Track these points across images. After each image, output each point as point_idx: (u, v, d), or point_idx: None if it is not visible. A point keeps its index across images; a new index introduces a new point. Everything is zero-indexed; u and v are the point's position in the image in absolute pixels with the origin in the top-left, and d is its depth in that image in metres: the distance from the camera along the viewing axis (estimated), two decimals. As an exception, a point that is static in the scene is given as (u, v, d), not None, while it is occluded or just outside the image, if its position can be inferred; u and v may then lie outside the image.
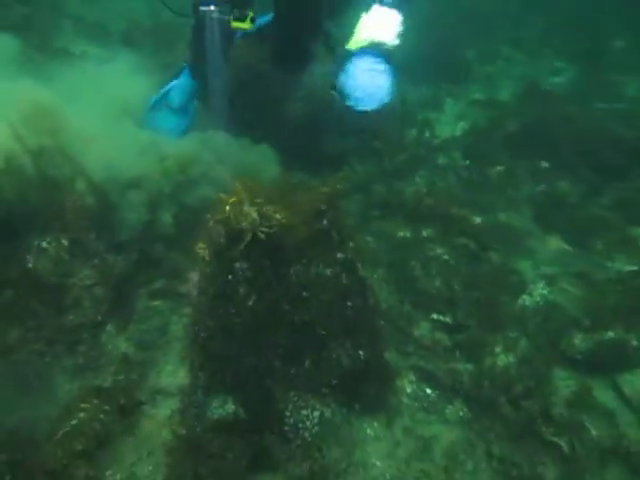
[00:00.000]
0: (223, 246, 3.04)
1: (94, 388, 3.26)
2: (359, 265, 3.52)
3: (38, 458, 2.83)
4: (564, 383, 3.86)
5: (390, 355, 3.86)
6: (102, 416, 3.00)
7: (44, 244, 3.70)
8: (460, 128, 7.70)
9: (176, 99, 5.33)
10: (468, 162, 6.63)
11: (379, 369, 3.65)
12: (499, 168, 6.47)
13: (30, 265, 3.62)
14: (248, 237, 2.91)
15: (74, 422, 2.92)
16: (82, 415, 2.96)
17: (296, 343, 3.30)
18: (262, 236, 2.95)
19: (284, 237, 3.09)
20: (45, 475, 2.72)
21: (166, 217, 4.15)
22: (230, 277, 3.08)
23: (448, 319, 4.36)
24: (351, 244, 3.49)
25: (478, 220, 5.43)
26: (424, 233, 5.13)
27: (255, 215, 2.92)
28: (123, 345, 3.84)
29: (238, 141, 4.86)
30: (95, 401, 3.06)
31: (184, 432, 3.00)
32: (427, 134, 7.27)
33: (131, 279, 4.09)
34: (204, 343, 3.30)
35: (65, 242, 3.77)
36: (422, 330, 4.29)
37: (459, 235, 5.03)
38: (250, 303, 3.11)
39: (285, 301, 3.20)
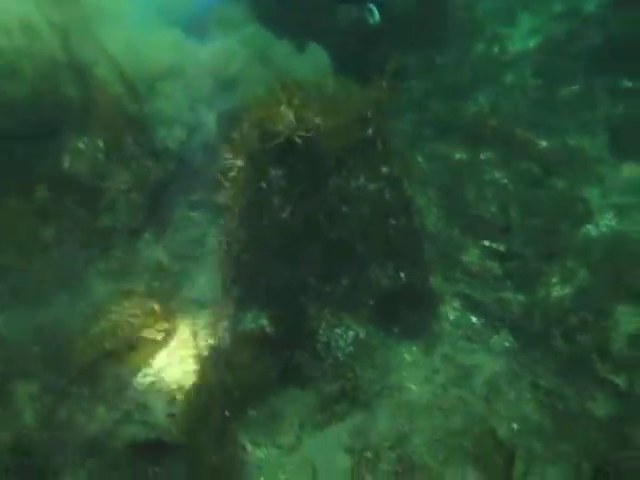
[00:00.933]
0: (257, 150, 2.86)
1: (127, 292, 3.24)
2: (405, 181, 3.28)
3: (71, 353, 2.86)
4: (626, 319, 3.56)
5: (435, 280, 3.67)
6: (133, 320, 2.97)
7: (80, 144, 3.62)
8: (534, 42, 6.99)
9: None
10: (539, 81, 6.04)
11: (421, 293, 3.49)
12: (574, 87, 5.86)
13: (66, 165, 3.57)
14: (283, 141, 2.71)
15: (105, 323, 2.91)
16: (113, 316, 2.95)
17: (332, 260, 3.15)
18: (299, 141, 2.74)
19: (323, 144, 2.88)
20: (77, 369, 2.76)
21: (205, 120, 3.96)
22: (264, 185, 2.92)
23: (501, 247, 4.09)
24: (398, 158, 3.23)
25: (544, 144, 4.99)
26: (482, 156, 4.78)
27: (292, 117, 2.70)
28: (159, 253, 3.82)
29: (283, 41, 4.53)
30: (127, 304, 3.04)
31: (214, 342, 2.95)
32: (496, 49, 6.66)
33: (169, 187, 4.00)
34: (237, 255, 3.21)
35: (101, 143, 3.68)
36: (471, 257, 4.05)
37: (522, 159, 4.65)
38: (284, 215, 2.96)
39: (322, 214, 3.02)
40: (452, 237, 4.21)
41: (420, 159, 4.70)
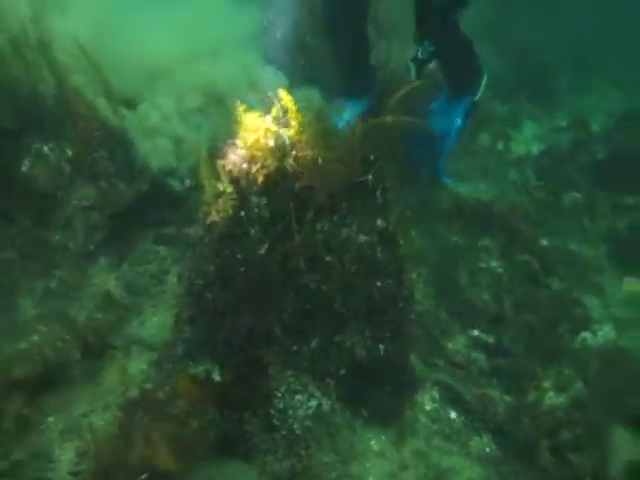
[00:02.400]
0: (243, 173, 2.57)
1: (61, 315, 2.79)
2: (400, 242, 2.99)
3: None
4: (624, 444, 3.18)
5: (414, 363, 3.27)
6: (60, 345, 2.51)
7: (45, 149, 3.32)
8: (537, 149, 7.08)
9: None
10: (542, 183, 6.00)
11: (399, 373, 3.08)
12: (577, 195, 5.83)
13: (24, 168, 3.23)
14: (272, 165, 2.43)
15: (22, 345, 2.45)
16: (35, 338, 2.49)
17: (305, 314, 2.78)
18: (290, 169, 2.47)
19: (317, 180, 2.60)
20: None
21: (192, 141, 3.69)
22: (243, 213, 2.60)
23: (490, 339, 3.77)
24: (396, 215, 2.97)
25: (545, 242, 4.81)
26: (480, 242, 4.54)
27: (286, 141, 2.44)
28: (110, 283, 3.40)
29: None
30: (57, 327, 2.58)
31: (147, 388, 2.50)
32: (500, 146, 6.69)
33: (138, 213, 3.66)
34: (199, 292, 2.83)
35: (69, 152, 3.38)
36: (457, 344, 3.72)
37: (521, 252, 4.42)
38: (261, 251, 2.62)
39: (303, 259, 2.68)
40: (439, 319, 3.89)
41: (415, 234, 4.45)
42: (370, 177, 2.78)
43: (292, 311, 2.74)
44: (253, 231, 2.59)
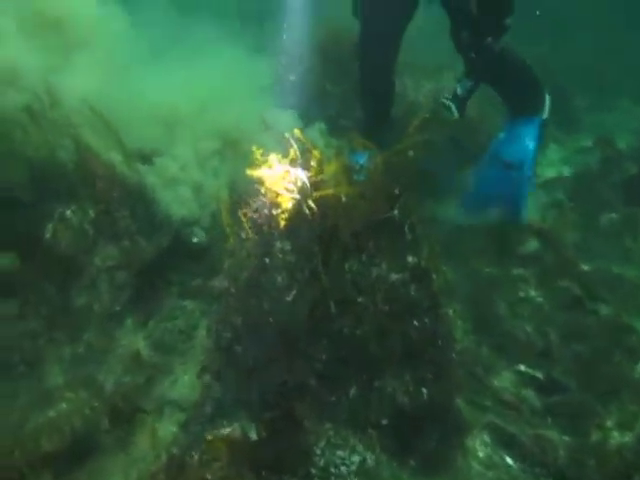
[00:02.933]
0: (265, 219, 2.50)
1: (89, 380, 2.71)
2: (434, 277, 2.85)
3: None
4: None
5: (460, 404, 3.08)
6: (89, 412, 2.41)
7: (67, 212, 3.31)
8: (566, 171, 6.91)
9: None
10: (575, 204, 5.80)
11: (445, 417, 2.89)
12: (613, 215, 5.59)
13: (47, 234, 3.22)
14: (293, 210, 2.35)
15: (50, 414, 2.36)
16: (63, 406, 2.40)
17: (341, 362, 2.64)
18: (311, 210, 2.38)
19: (341, 219, 2.51)
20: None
21: (211, 189, 3.66)
22: (267, 260, 2.51)
23: (539, 373, 3.54)
24: (427, 249, 2.84)
25: (586, 266, 4.58)
26: (515, 271, 4.36)
27: (306, 181, 2.37)
28: (139, 343, 3.32)
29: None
30: (85, 394, 2.49)
31: (180, 451, 2.37)
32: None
33: (162, 269, 3.61)
34: (227, 346, 2.73)
35: (92, 213, 3.37)
36: (504, 382, 3.50)
37: (561, 278, 4.22)
38: (289, 298, 2.51)
39: (333, 303, 2.57)
40: (480, 356, 3.69)
41: (445, 268, 4.30)
42: (396, 212, 2.66)
43: (326, 359, 2.60)
44: (280, 278, 2.48)
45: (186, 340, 3.45)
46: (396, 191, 2.66)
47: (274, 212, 2.38)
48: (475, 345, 3.71)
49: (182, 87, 4.07)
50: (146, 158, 3.94)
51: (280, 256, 2.48)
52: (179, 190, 3.72)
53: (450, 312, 3.06)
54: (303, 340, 2.55)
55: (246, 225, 2.43)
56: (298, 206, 2.36)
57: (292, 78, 4.60)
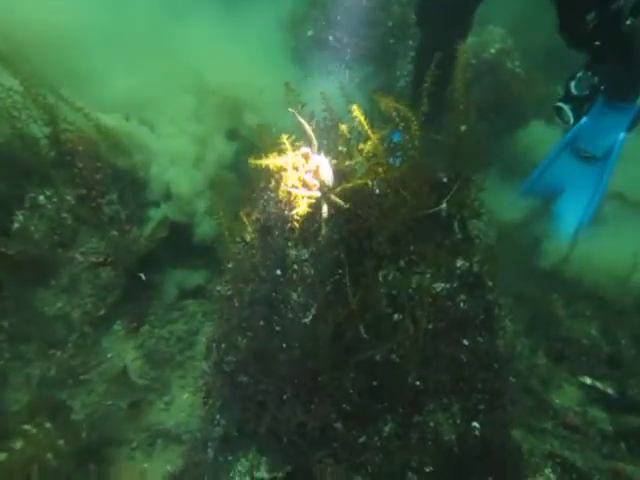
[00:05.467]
0: (275, 220, 1.96)
1: (59, 407, 2.25)
2: (489, 283, 2.32)
3: None
4: None
5: (516, 433, 2.58)
6: (50, 457, 1.95)
7: (41, 198, 2.81)
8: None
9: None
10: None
11: (501, 454, 2.39)
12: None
13: (16, 225, 2.73)
14: (312, 208, 1.81)
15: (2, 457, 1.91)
16: (18, 446, 1.94)
17: (372, 394, 2.14)
18: (336, 209, 1.84)
19: (374, 217, 1.97)
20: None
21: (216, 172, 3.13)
22: (279, 272, 1.99)
23: (609, 388, 3.02)
24: (481, 250, 2.31)
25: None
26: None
27: (330, 170, 1.82)
28: (128, 354, 2.85)
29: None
30: (51, 427, 2.03)
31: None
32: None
33: (157, 263, 3.12)
34: (230, 372, 2.24)
35: (70, 199, 2.86)
36: (566, 398, 3.01)
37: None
38: (306, 319, 2.00)
39: (363, 323, 2.05)
40: (537, 365, 3.18)
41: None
42: (444, 206, 2.11)
43: (354, 393, 2.10)
44: (295, 295, 1.97)
45: (185, 349, 3.00)
46: (444, 178, 2.09)
47: (287, 212, 1.84)
48: (529, 351, 3.20)
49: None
50: (141, 130, 3.40)
51: (295, 267, 1.96)
52: (178, 169, 3.17)
53: (509, 325, 2.51)
54: (325, 372, 2.04)
55: (250, 228, 1.90)
56: (318, 204, 1.81)
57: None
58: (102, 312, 2.87)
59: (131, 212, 3.08)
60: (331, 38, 4.38)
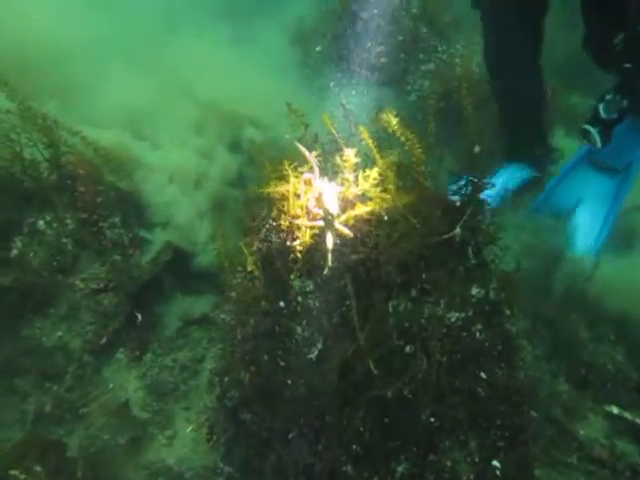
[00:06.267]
0: (277, 250, 1.87)
1: (54, 446, 2.15)
2: (507, 312, 2.21)
3: None
4: None
5: (541, 472, 2.45)
6: None
7: (40, 223, 2.75)
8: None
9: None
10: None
11: (523, 494, 2.26)
12: None
13: (14, 251, 2.67)
14: (314, 235, 1.72)
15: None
16: None
17: (383, 432, 2.03)
18: (341, 237, 1.74)
19: (382, 245, 1.87)
20: None
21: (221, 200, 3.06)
22: (282, 304, 1.90)
23: (637, 418, 2.86)
24: (498, 276, 2.20)
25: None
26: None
27: (335, 199, 1.72)
28: (130, 384, 2.76)
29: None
30: (38, 469, 1.94)
31: None
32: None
33: (161, 288, 3.03)
34: (233, 408, 2.14)
35: (71, 223, 2.80)
36: (592, 430, 2.86)
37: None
38: (312, 355, 1.90)
39: (372, 358, 1.94)
40: (558, 392, 3.03)
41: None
42: (458, 231, 2.00)
43: (365, 432, 1.99)
44: (299, 328, 1.87)
45: (190, 377, 2.90)
46: (457, 202, 1.99)
47: (289, 243, 1.74)
48: (550, 377, 3.05)
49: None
50: (141, 146, 3.34)
51: (299, 299, 1.86)
52: (179, 189, 3.10)
53: (528, 349, 2.39)
54: (333, 411, 1.93)
55: (250, 259, 1.80)
56: (322, 234, 1.71)
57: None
58: (104, 341, 2.77)
59: (134, 236, 3.00)
60: (340, 53, 4.31)
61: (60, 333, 2.71)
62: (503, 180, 3.62)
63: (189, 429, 2.63)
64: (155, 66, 3.64)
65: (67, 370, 2.63)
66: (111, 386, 2.74)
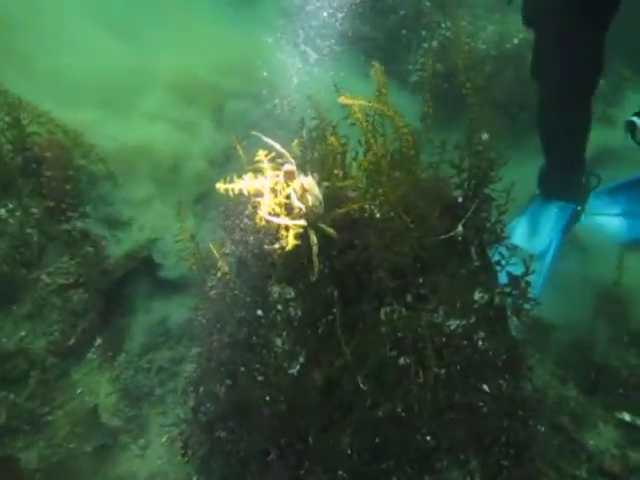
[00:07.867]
0: (254, 253, 1.68)
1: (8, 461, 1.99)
2: (513, 319, 2.03)
3: None
4: None
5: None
6: None
7: (2, 212, 2.55)
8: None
9: None
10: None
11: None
12: None
13: (-28, 243, 2.48)
14: (294, 237, 1.52)
15: None
16: None
17: (374, 453, 1.86)
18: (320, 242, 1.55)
19: (373, 246, 1.68)
20: None
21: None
22: (260, 313, 1.71)
23: (652, 426, 2.72)
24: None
25: None
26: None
27: (319, 195, 1.52)
28: (101, 389, 2.59)
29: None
30: None
31: None
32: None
33: (136, 284, 2.85)
34: (208, 422, 1.97)
35: (36, 212, 2.60)
36: (602, 439, 2.71)
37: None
38: (292, 370, 1.72)
39: (361, 373, 1.76)
40: (567, 399, 2.87)
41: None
42: (460, 229, 1.81)
43: (354, 456, 1.81)
44: (279, 341, 1.68)
45: (168, 379, 2.72)
46: (459, 197, 1.79)
47: (267, 246, 1.54)
48: (559, 382, 2.89)
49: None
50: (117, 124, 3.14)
51: (279, 307, 1.67)
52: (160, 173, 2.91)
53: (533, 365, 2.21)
54: (317, 431, 1.75)
55: (222, 263, 1.61)
56: (305, 234, 1.52)
57: None
58: (72, 341, 2.59)
59: (107, 226, 2.80)
60: (336, 27, 4.08)
61: (23, 333, 2.52)
62: (549, 230, 3.43)
63: (164, 438, 2.46)
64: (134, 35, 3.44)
65: (30, 375, 2.45)
66: (79, 391, 2.57)
